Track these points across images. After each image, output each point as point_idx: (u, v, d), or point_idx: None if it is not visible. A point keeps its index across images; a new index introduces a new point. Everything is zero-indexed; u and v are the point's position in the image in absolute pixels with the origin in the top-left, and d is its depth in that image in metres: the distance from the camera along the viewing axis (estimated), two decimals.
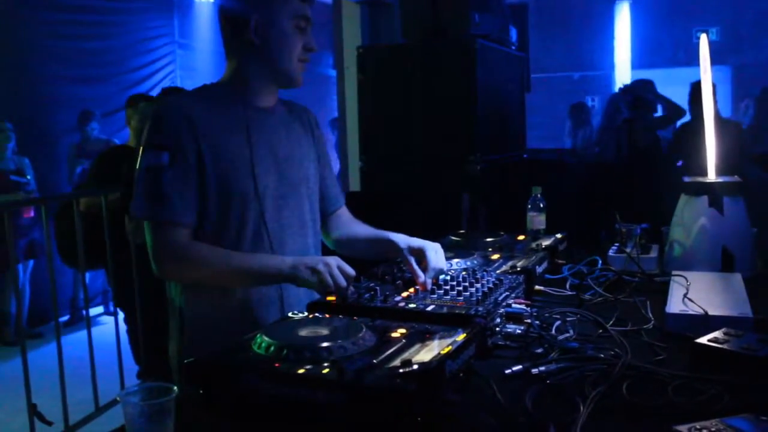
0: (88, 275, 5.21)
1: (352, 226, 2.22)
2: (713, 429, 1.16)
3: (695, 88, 5.18)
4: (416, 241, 1.98)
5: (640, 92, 5.94)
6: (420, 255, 1.93)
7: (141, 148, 1.84)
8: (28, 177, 5.97)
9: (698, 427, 1.16)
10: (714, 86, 5.39)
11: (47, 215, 3.91)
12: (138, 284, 3.82)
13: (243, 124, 1.88)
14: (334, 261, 1.80)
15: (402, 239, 2.00)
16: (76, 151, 6.54)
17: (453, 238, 2.57)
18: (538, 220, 2.71)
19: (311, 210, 2.05)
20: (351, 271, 1.80)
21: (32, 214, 5.85)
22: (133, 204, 1.82)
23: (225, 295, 1.88)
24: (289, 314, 1.63)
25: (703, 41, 2.57)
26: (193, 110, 1.83)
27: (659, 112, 6.17)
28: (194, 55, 8.68)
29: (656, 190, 2.91)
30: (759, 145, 5.90)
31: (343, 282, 1.77)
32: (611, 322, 1.78)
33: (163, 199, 1.77)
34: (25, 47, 6.43)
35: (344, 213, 2.25)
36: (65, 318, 6.29)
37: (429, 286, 1.84)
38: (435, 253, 1.94)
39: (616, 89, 9.53)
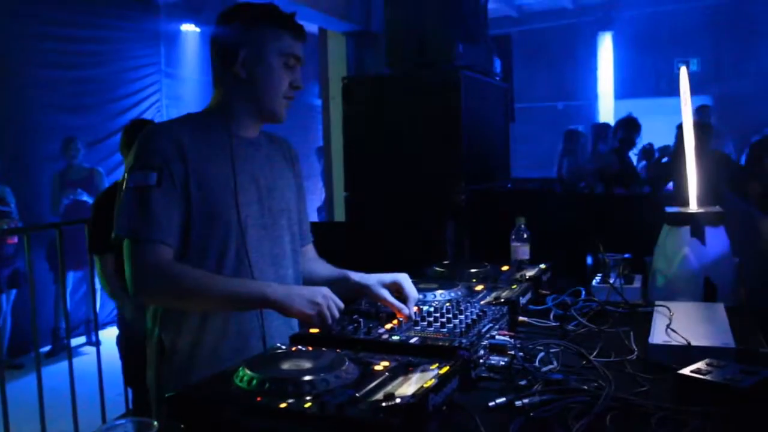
0: (69, 304, 5.15)
1: (313, 264, 2.21)
2: None
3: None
4: (387, 276, 1.99)
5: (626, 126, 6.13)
6: (396, 287, 1.95)
7: (127, 169, 1.83)
8: (11, 206, 5.93)
9: None
10: (710, 126, 5.52)
11: (29, 245, 3.88)
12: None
13: (227, 153, 1.89)
14: (329, 293, 1.80)
15: (371, 277, 2.00)
16: (59, 180, 6.48)
17: (437, 268, 2.57)
18: (521, 250, 2.72)
19: (292, 241, 2.05)
20: (341, 303, 1.81)
21: (15, 240, 5.81)
22: (118, 223, 1.79)
23: (204, 326, 1.86)
24: (272, 347, 1.63)
25: (683, 73, 2.61)
26: (181, 135, 1.83)
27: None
28: (180, 84, 8.69)
29: (638, 220, 2.92)
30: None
31: (337, 315, 1.78)
32: (595, 353, 1.78)
33: (151, 218, 1.76)
34: (9, 75, 6.41)
35: (309, 250, 2.24)
36: (47, 348, 6.21)
37: (413, 316, 1.85)
38: (409, 282, 1.97)
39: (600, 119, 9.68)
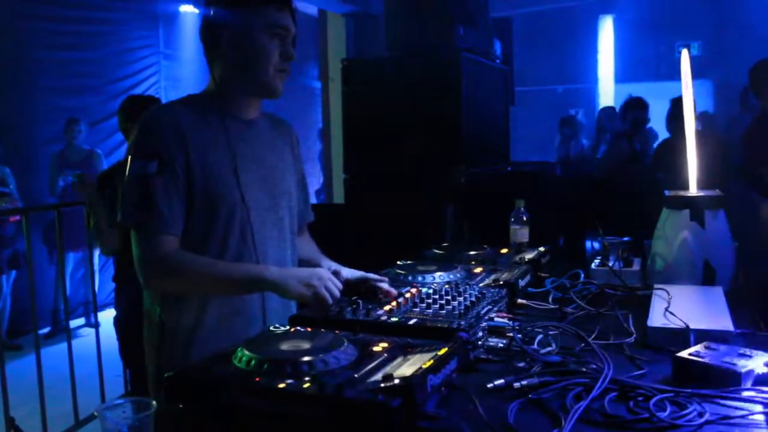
0: (68, 286, 5.15)
1: (300, 245, 2.20)
2: None
3: (675, 105, 5.27)
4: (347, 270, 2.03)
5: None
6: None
7: (129, 156, 1.83)
8: (11, 186, 5.92)
9: None
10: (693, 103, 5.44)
11: (28, 225, 3.88)
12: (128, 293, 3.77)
13: (224, 136, 1.88)
14: (325, 274, 1.80)
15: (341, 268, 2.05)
16: (57, 160, 6.46)
17: (436, 251, 2.57)
18: (521, 233, 2.72)
19: (290, 223, 2.06)
20: (339, 284, 1.81)
21: (17, 218, 5.80)
22: (122, 211, 1.81)
23: (205, 307, 1.87)
24: (271, 328, 1.62)
25: (684, 56, 2.59)
26: (182, 119, 1.82)
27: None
28: (179, 65, 8.65)
29: (639, 204, 2.92)
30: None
31: (337, 295, 1.78)
32: (593, 336, 1.78)
33: (153, 209, 1.77)
34: (7, 56, 6.38)
35: (304, 228, 2.26)
36: (46, 330, 6.22)
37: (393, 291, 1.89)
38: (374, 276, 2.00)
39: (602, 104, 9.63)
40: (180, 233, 1.82)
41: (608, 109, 7.48)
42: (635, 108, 6.16)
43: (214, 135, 1.87)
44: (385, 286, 1.91)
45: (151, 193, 1.77)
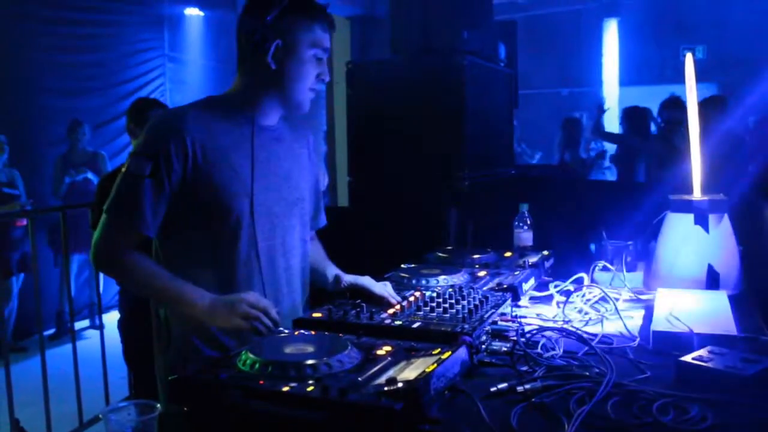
0: (73, 288, 5.17)
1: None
2: None
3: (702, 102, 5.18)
4: (349, 277, 2.06)
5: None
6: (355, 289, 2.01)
7: (131, 152, 1.85)
8: (20, 189, 5.95)
9: None
10: (726, 100, 5.35)
11: (34, 228, 3.89)
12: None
13: (247, 141, 1.88)
14: (251, 297, 1.76)
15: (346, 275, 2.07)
16: (61, 162, 6.48)
17: (440, 254, 2.57)
18: (524, 236, 2.72)
19: (302, 231, 2.05)
20: (266, 302, 1.77)
21: (24, 223, 5.82)
22: (108, 202, 1.82)
23: None
24: (275, 330, 1.63)
25: (689, 60, 2.59)
26: (194, 126, 1.81)
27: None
28: (184, 68, 8.66)
29: (642, 207, 2.91)
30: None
31: (265, 306, 1.74)
32: (596, 340, 1.79)
33: (133, 207, 1.77)
34: (13, 59, 6.40)
35: (313, 237, 2.26)
36: (51, 331, 6.23)
37: (396, 298, 1.89)
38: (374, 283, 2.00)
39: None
40: (153, 236, 1.83)
41: (640, 110, 7.15)
42: (669, 107, 6.00)
43: (233, 139, 1.87)
44: (386, 295, 1.90)
45: (137, 191, 1.77)
